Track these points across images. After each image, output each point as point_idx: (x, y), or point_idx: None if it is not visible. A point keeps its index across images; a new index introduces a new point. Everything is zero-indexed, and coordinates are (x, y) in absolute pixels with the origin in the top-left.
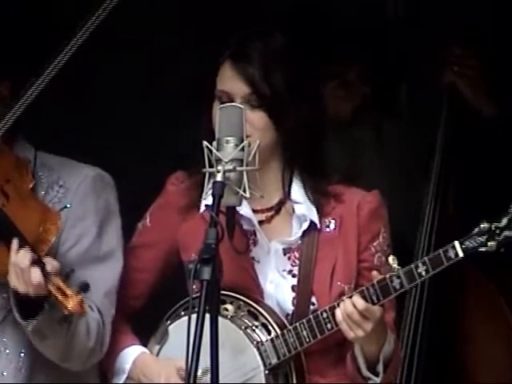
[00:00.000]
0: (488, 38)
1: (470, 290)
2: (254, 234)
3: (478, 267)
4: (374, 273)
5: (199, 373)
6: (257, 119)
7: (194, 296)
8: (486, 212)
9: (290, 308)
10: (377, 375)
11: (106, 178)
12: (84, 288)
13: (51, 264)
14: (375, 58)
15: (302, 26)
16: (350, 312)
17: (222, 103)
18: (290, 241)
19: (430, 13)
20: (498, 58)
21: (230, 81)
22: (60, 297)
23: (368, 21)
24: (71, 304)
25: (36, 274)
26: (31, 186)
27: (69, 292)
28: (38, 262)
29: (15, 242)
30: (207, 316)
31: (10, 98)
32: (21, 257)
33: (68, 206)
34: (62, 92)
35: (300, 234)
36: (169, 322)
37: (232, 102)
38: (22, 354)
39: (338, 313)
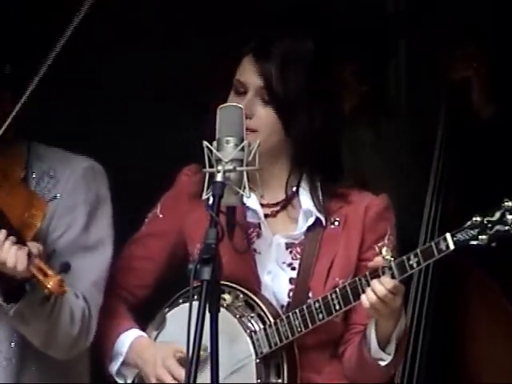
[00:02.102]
0: (488, 37)
1: (473, 290)
2: (259, 226)
3: (480, 267)
4: (371, 263)
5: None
6: (266, 115)
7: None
8: (488, 208)
9: (285, 299)
10: (388, 355)
11: (96, 168)
12: (64, 268)
13: (35, 247)
14: (375, 57)
15: (301, 26)
16: (383, 295)
17: (237, 93)
18: (294, 235)
19: (430, 13)
20: (498, 58)
21: (248, 73)
22: (41, 277)
23: (368, 20)
24: (51, 283)
25: (22, 262)
26: (22, 175)
27: (49, 272)
28: (22, 245)
29: (2, 232)
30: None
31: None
32: (6, 248)
33: (58, 196)
34: (62, 90)
35: (305, 228)
36: (167, 309)
37: (246, 93)
38: (13, 344)
39: (369, 296)
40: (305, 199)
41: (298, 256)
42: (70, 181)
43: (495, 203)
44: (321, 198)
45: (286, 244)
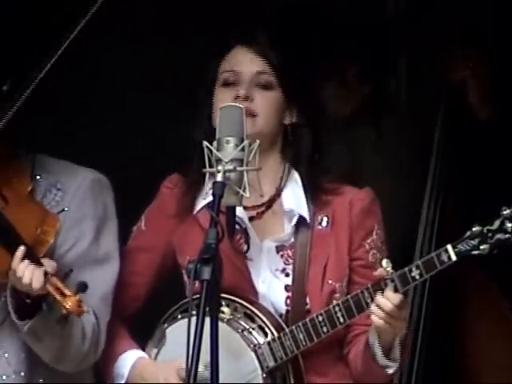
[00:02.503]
0: (488, 38)
1: (472, 291)
2: (246, 232)
3: (479, 267)
4: (375, 273)
5: (200, 368)
6: (264, 99)
7: (193, 297)
8: (485, 212)
9: (283, 308)
10: (394, 361)
11: (103, 180)
12: (82, 288)
13: (50, 265)
14: (375, 56)
15: (302, 24)
16: (390, 310)
17: (226, 85)
18: (283, 238)
19: (430, 13)
20: (498, 59)
21: (240, 61)
22: (58, 297)
23: (368, 19)
24: (69, 304)
25: (38, 280)
26: (29, 189)
27: (67, 292)
28: (37, 264)
29: (21, 250)
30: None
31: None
32: (23, 266)
33: (66, 209)
34: (61, 92)
35: (290, 229)
36: (166, 324)
37: (239, 82)
38: (22, 357)
39: (376, 313)
40: (287, 198)
41: (290, 260)
42: (77, 193)
43: (493, 203)
44: (306, 195)
45: (277, 247)
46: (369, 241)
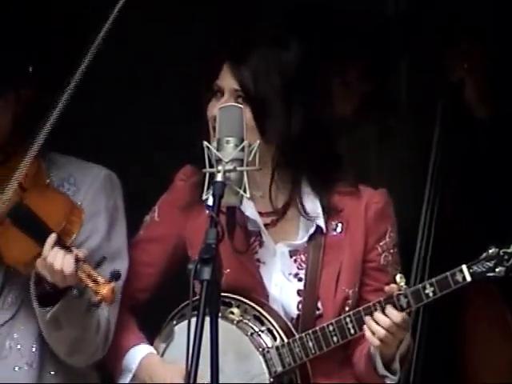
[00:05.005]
0: (488, 37)
1: (472, 293)
2: (260, 235)
3: None
4: (387, 288)
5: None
6: (246, 112)
7: (195, 299)
8: (486, 209)
9: (294, 312)
10: (393, 373)
11: (114, 178)
12: (116, 276)
13: (81, 252)
14: (375, 55)
15: (302, 24)
16: (388, 326)
17: (215, 97)
18: (297, 244)
19: (431, 12)
20: (498, 58)
21: (225, 77)
22: (91, 284)
23: (369, 19)
24: (104, 291)
25: (70, 265)
26: (48, 181)
27: (100, 279)
28: (68, 251)
29: (53, 236)
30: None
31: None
32: (54, 251)
33: (79, 203)
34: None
35: (306, 238)
36: (174, 322)
37: (222, 95)
38: (34, 349)
39: (372, 329)
40: (304, 206)
41: (304, 265)
42: (91, 189)
43: (494, 200)
44: (319, 204)
45: (290, 252)
46: (382, 243)
